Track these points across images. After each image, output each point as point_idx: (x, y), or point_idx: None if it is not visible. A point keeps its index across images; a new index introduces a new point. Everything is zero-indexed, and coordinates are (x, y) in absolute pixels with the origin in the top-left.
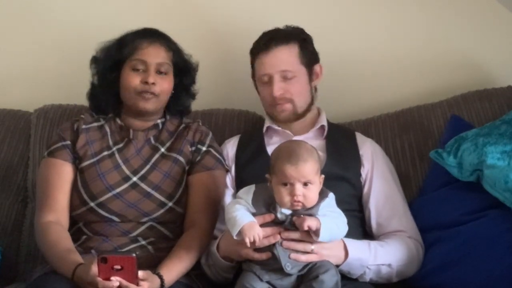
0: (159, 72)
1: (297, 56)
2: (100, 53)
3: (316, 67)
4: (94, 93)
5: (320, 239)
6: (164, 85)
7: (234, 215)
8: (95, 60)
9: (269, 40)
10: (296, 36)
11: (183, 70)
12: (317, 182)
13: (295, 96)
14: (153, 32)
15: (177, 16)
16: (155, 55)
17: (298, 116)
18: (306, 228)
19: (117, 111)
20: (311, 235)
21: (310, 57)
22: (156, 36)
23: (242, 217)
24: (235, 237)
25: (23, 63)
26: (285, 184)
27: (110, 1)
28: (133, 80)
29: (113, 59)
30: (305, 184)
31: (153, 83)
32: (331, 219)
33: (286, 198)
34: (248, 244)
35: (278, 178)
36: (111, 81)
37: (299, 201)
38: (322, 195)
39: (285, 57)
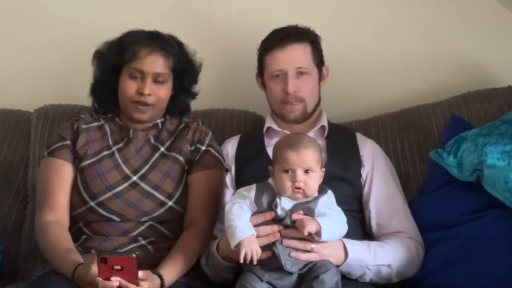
0: (156, 81)
1: (310, 55)
2: (101, 50)
3: (324, 69)
4: (96, 90)
5: (322, 239)
6: (160, 94)
7: (235, 225)
8: (97, 56)
9: (284, 36)
10: (308, 36)
11: (184, 72)
12: (318, 171)
13: (307, 95)
14: (154, 38)
15: (177, 16)
16: (154, 65)
17: (306, 116)
18: (306, 233)
19: (116, 111)
20: (312, 235)
21: (319, 58)
22: (157, 43)
23: (242, 229)
24: (233, 248)
25: (23, 63)
26: (287, 171)
27: (111, 1)
28: (129, 88)
29: (112, 62)
30: (306, 171)
31: (149, 94)
32: (330, 220)
33: (288, 184)
34: (242, 260)
35: (280, 165)
36: (110, 82)
37: (299, 187)
38: (321, 192)
39: (300, 55)
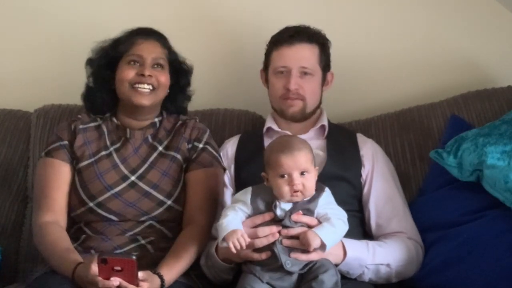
0: (155, 65)
1: (317, 57)
2: (95, 53)
3: (329, 75)
4: (89, 94)
5: (326, 250)
6: (160, 78)
7: (221, 222)
8: (90, 62)
9: (294, 34)
10: (318, 38)
11: (179, 70)
12: (313, 172)
13: (308, 95)
14: (148, 30)
15: (177, 16)
16: (151, 50)
17: (304, 116)
18: (312, 250)
19: (113, 111)
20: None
21: (326, 62)
22: (151, 33)
23: (228, 225)
24: (220, 245)
25: (23, 63)
26: (283, 176)
27: (110, 1)
28: (128, 73)
29: (109, 57)
30: (302, 173)
31: (149, 75)
32: (331, 228)
33: (286, 189)
34: (233, 250)
35: (275, 171)
36: (106, 79)
37: (298, 190)
38: (318, 190)
39: (307, 55)
